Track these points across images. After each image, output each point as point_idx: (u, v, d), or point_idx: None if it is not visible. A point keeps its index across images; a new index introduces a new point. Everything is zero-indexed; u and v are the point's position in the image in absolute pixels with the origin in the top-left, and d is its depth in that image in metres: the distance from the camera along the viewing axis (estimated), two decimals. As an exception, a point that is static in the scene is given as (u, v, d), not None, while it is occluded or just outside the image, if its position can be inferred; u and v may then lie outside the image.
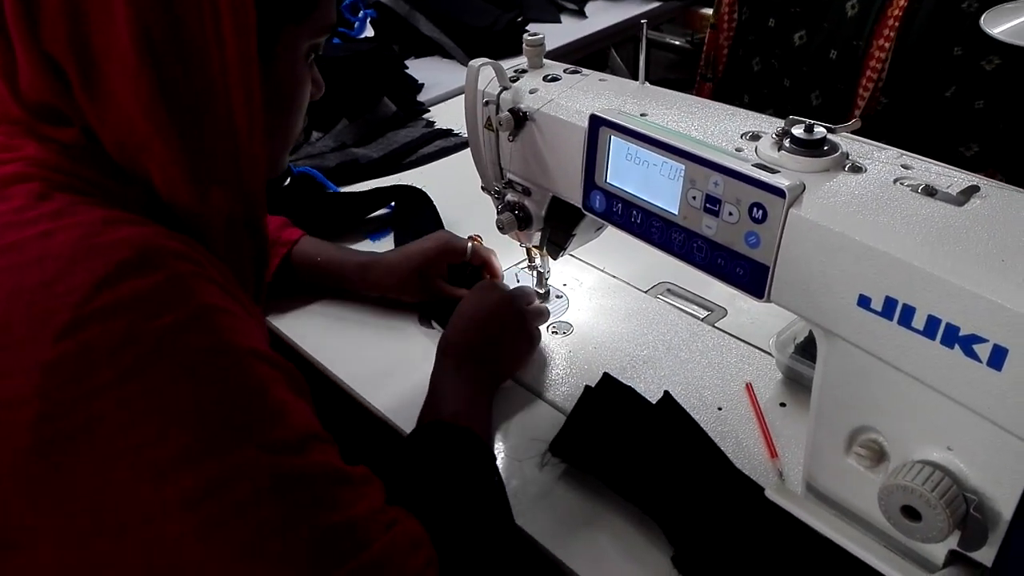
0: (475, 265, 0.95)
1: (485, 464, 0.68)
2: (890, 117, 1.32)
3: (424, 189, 1.14)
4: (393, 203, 1.13)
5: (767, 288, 0.58)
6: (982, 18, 0.96)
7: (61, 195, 0.47)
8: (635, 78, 0.73)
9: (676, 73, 2.82)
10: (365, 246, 1.08)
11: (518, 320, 0.83)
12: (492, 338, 0.80)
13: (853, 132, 0.58)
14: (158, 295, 0.45)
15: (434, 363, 0.79)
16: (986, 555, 0.51)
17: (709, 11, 1.98)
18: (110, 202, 0.49)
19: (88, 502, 0.42)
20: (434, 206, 1.12)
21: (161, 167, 0.49)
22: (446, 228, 1.07)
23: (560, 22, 1.88)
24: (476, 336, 0.79)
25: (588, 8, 1.93)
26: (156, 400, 0.43)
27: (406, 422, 0.78)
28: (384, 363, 0.87)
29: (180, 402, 0.44)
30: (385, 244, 1.08)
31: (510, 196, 0.83)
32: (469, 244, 0.93)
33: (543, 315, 0.88)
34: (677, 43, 2.40)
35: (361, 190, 1.15)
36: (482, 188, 0.86)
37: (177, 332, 0.44)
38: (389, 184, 1.15)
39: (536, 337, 0.86)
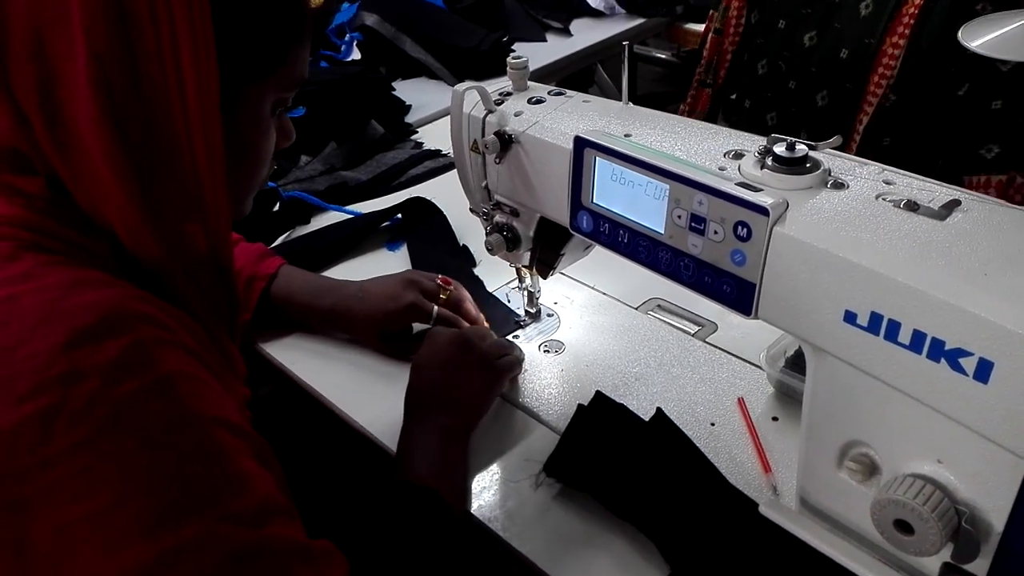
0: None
1: (445, 530, 0.66)
2: (899, 114, 1.32)
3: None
4: (399, 215, 1.14)
5: (754, 305, 0.58)
6: (959, 32, 0.96)
7: (29, 255, 0.47)
8: (621, 95, 0.74)
9: (664, 86, 2.84)
10: (382, 256, 1.10)
11: (473, 359, 0.79)
12: (448, 383, 0.77)
13: (834, 148, 0.59)
14: (119, 362, 0.44)
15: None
16: (980, 567, 0.51)
17: (695, 26, 2.00)
18: (79, 260, 0.49)
19: (44, 571, 0.42)
20: (444, 215, 1.13)
21: (123, 217, 0.49)
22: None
23: (545, 40, 1.89)
24: (431, 385, 0.77)
25: (573, 26, 1.94)
26: (113, 468, 0.43)
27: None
28: (376, 386, 0.86)
29: (137, 471, 0.43)
30: (402, 255, 1.09)
31: (498, 217, 0.83)
32: (435, 309, 0.88)
33: (504, 348, 0.84)
34: (663, 56, 2.42)
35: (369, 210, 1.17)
36: (470, 209, 0.87)
37: (137, 400, 0.44)
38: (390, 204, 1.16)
39: (500, 369, 0.81)
